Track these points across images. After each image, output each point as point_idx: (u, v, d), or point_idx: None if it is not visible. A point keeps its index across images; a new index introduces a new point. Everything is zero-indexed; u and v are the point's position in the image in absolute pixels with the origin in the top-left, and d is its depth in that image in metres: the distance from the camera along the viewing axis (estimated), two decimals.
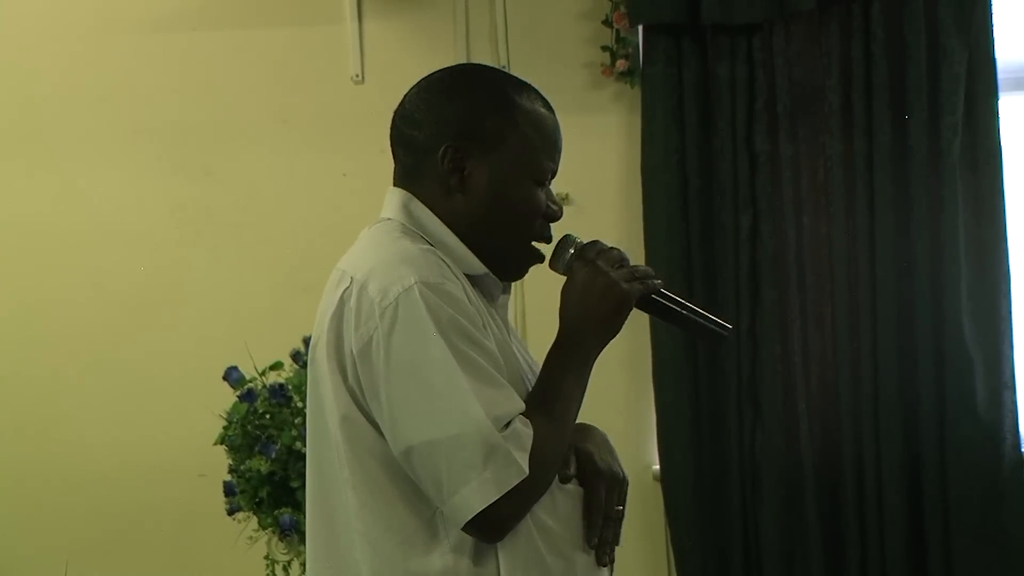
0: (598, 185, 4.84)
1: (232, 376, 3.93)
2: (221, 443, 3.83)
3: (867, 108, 4.68)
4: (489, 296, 2.49)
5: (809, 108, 4.72)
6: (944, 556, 4.66)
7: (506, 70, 4.68)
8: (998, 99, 4.64)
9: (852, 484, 4.71)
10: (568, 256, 2.44)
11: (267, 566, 3.90)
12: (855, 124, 4.69)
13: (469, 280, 2.43)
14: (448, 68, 2.58)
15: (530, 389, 2.43)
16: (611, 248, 2.46)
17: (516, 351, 2.50)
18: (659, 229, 4.73)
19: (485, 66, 2.96)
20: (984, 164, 4.66)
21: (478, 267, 2.43)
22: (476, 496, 2.25)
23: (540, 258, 2.52)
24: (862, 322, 4.71)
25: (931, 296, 4.69)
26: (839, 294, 4.73)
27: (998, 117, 4.66)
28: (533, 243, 2.49)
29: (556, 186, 4.78)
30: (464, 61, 4.77)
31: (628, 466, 4.69)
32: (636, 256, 4.69)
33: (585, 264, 2.44)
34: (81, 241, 4.76)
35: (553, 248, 2.50)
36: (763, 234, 4.71)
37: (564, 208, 4.72)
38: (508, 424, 2.27)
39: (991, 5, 4.68)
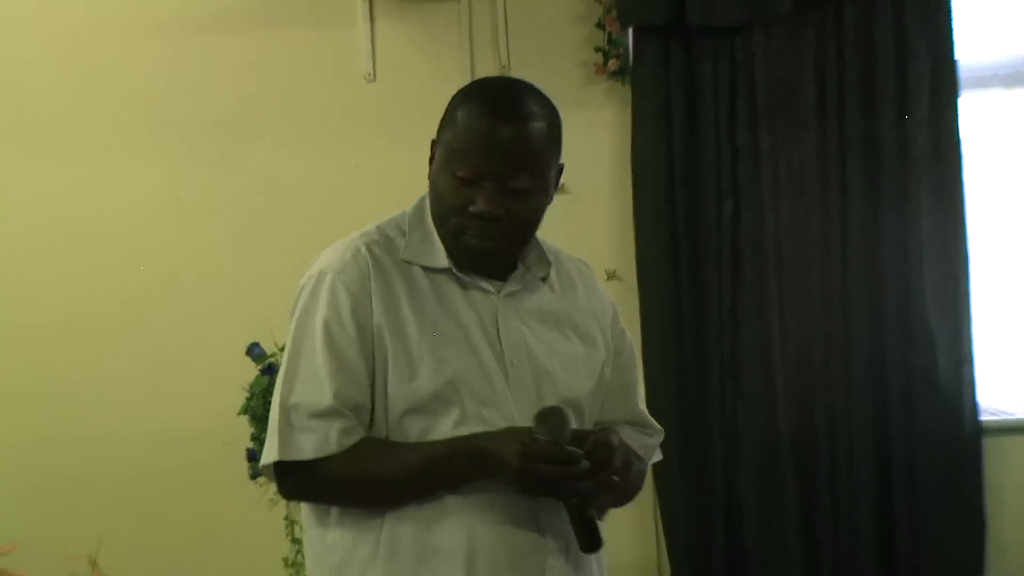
0: (592, 175, 4.84)
1: (254, 352, 3.99)
2: (244, 413, 3.89)
3: (840, 105, 4.74)
4: (449, 285, 2.52)
5: (786, 104, 4.76)
6: (909, 517, 4.71)
7: (506, 69, 4.86)
8: (959, 96, 4.70)
9: (825, 451, 4.76)
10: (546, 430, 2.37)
11: (286, 525, 3.94)
12: (828, 119, 4.75)
13: (427, 269, 2.51)
14: None
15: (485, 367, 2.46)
16: (566, 451, 2.35)
17: (479, 335, 2.49)
18: (648, 216, 4.78)
19: (480, 79, 2.95)
20: (946, 156, 4.72)
21: (438, 262, 2.50)
22: (265, 452, 2.45)
23: (478, 258, 2.53)
24: (834, 303, 4.77)
25: (898, 279, 4.75)
26: (813, 277, 4.77)
27: (959, 113, 4.71)
28: (464, 237, 2.49)
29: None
30: (468, 61, 4.93)
31: None
32: (625, 241, 4.90)
33: (537, 429, 2.38)
34: (117, 228, 4.79)
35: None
36: (744, 221, 4.76)
37: (561, 197, 4.81)
38: (318, 414, 2.40)
39: (952, 11, 4.72)
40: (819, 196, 4.77)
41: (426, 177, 2.64)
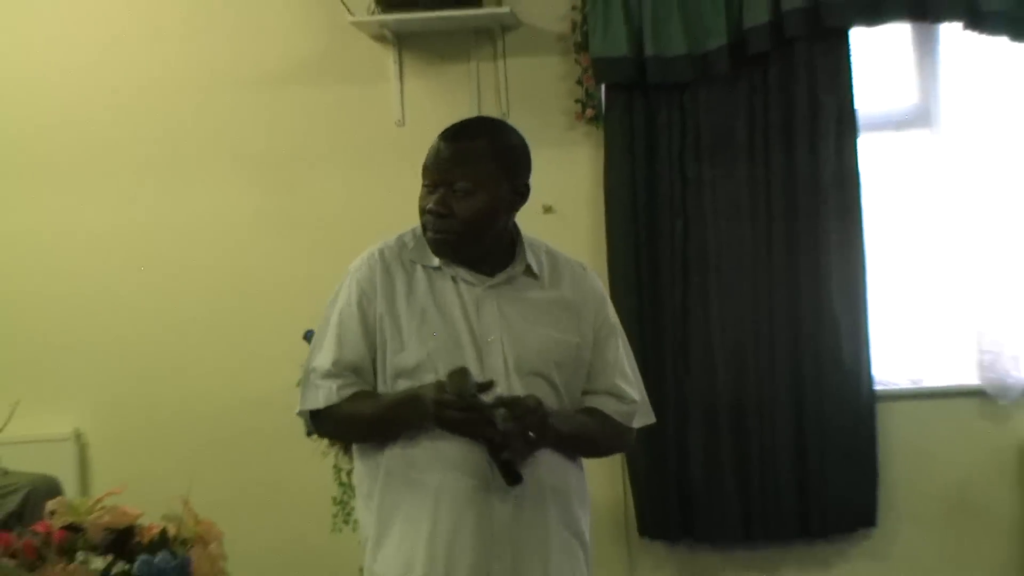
0: (573, 200, 5.01)
1: (308, 336, 3.98)
2: (299, 385, 4.11)
3: (765, 145, 4.84)
4: (443, 279, 2.57)
5: (723, 144, 4.85)
6: (820, 468, 4.84)
7: (506, 116, 4.82)
8: (858, 138, 4.82)
9: (753, 414, 4.87)
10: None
11: (334, 472, 4.15)
12: (756, 156, 4.85)
13: (426, 267, 2.59)
14: None
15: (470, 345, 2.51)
16: (529, 410, 2.40)
17: (464, 325, 2.53)
18: (616, 230, 4.89)
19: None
20: (848, 184, 4.82)
21: (433, 262, 2.57)
22: (299, 403, 2.62)
23: (437, 248, 2.56)
24: (761, 299, 4.88)
25: (810, 280, 4.83)
26: (745, 277, 4.88)
27: (857, 151, 4.83)
28: (428, 233, 2.56)
29: (545, 200, 4.88)
30: (476, 110, 4.96)
31: None
32: (599, 250, 4.91)
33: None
34: (205, 241, 4.96)
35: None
36: (691, 235, 4.87)
37: (550, 215, 4.86)
38: (326, 375, 2.56)
39: (852, 72, 4.82)
40: (749, 216, 4.87)
41: None
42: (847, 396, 4.85)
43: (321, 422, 2.66)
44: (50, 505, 2.98)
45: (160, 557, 2.83)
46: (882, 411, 4.93)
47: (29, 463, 4.27)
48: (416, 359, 2.51)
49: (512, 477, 2.38)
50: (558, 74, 5.03)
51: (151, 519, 2.95)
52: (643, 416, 2.70)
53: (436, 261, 2.56)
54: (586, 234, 5.01)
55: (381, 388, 2.58)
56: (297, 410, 2.65)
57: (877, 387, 4.93)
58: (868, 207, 4.88)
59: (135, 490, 3.02)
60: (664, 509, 4.95)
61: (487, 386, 2.40)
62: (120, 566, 2.81)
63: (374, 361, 2.58)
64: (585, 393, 2.62)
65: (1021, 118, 4.96)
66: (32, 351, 4.59)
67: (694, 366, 4.92)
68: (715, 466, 4.91)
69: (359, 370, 2.58)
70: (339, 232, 4.71)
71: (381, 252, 2.60)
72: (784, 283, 4.88)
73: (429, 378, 2.47)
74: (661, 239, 4.91)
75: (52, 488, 4.07)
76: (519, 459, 2.40)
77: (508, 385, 2.48)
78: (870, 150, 4.93)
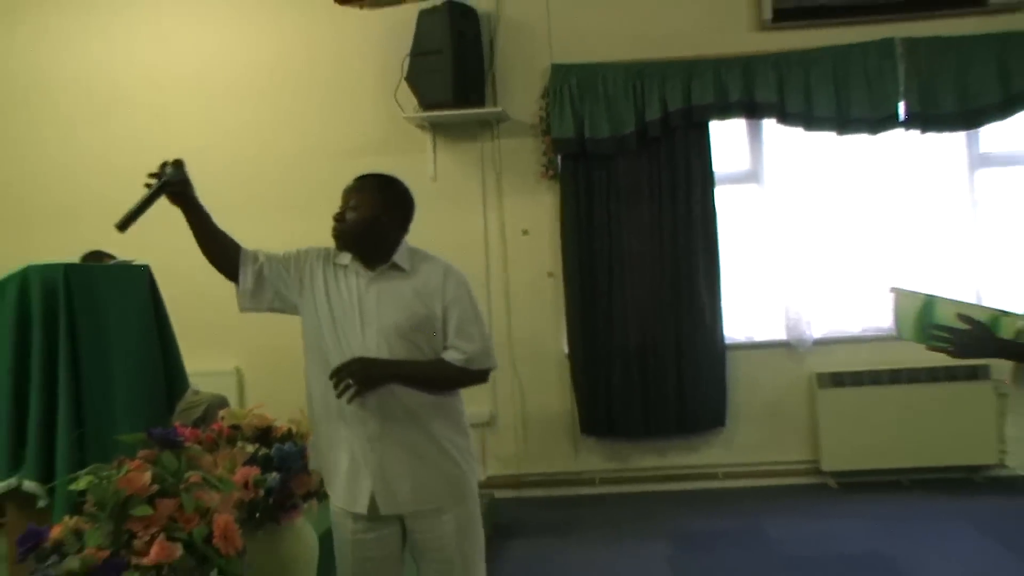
0: (541, 226, 5.14)
1: None
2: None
3: (659, 192, 5.06)
4: (348, 272, 2.42)
5: (633, 192, 5.06)
6: (692, 390, 5.04)
7: (500, 175, 5.03)
8: (714, 188, 5.04)
9: (652, 355, 5.06)
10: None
11: None
12: (654, 200, 5.06)
13: (341, 265, 2.42)
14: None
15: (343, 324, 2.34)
16: None
17: (356, 304, 2.37)
18: (569, 245, 5.04)
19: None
20: (709, 216, 5.04)
21: (345, 261, 2.43)
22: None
23: (335, 240, 2.42)
24: (656, 286, 5.05)
25: (686, 277, 5.04)
26: (647, 273, 5.05)
27: (714, 196, 5.03)
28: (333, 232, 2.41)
29: (524, 226, 5.12)
30: (481, 173, 5.09)
31: (550, 353, 4.93)
32: (557, 257, 5.00)
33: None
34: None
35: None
36: (613, 247, 5.05)
37: (528, 236, 4.82)
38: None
39: (711, 146, 5.00)
40: (648, 236, 5.05)
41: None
42: (709, 345, 5.07)
43: None
44: (221, 413, 2.95)
45: (287, 445, 2.78)
46: (729, 355, 5.13)
47: (209, 387, 4.25)
48: (316, 323, 2.41)
49: (345, 397, 2.27)
50: (531, 148, 5.17)
51: (281, 422, 2.87)
52: (481, 362, 2.43)
53: (346, 260, 2.44)
54: (549, 247, 5.16)
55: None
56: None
57: (727, 341, 5.11)
58: (721, 230, 5.07)
59: (272, 404, 2.93)
60: (596, 416, 5.11)
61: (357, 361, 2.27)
62: (263, 451, 2.78)
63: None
64: (444, 349, 2.42)
65: (811, 176, 5.12)
66: (210, 315, 4.20)
67: (615, 325, 5.07)
68: (628, 388, 5.07)
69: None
70: None
71: (328, 252, 2.49)
72: (670, 277, 5.06)
73: (326, 335, 2.36)
74: (595, 250, 5.07)
75: (223, 402, 4.09)
76: (347, 391, 2.26)
77: (382, 341, 2.34)
78: (721, 196, 5.11)
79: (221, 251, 2.43)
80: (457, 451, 2.43)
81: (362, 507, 2.39)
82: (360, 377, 2.25)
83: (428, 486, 2.39)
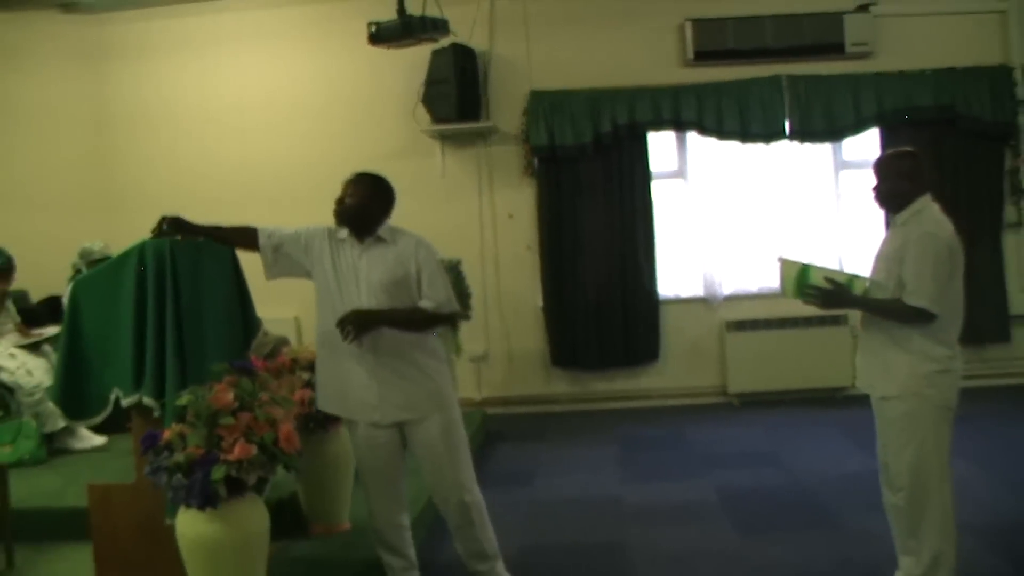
0: (523, 212, 5.09)
1: None
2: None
3: (614, 189, 5.01)
4: (345, 245, 2.38)
5: (592, 187, 5.03)
6: (634, 333, 5.00)
7: (491, 173, 4.97)
8: (651, 183, 5.04)
9: (605, 307, 5.04)
10: None
11: None
12: (607, 193, 5.02)
13: (341, 240, 2.38)
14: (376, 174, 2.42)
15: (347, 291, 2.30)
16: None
17: (353, 268, 2.33)
18: (544, 226, 5.01)
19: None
20: (647, 206, 5.03)
21: (344, 236, 2.39)
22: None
23: (337, 220, 2.38)
24: (610, 255, 5.02)
25: (630, 246, 5.02)
26: (602, 246, 5.01)
27: (651, 190, 5.03)
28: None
29: (510, 211, 4.87)
30: (478, 173, 5.02)
31: (529, 306, 5.19)
32: (535, 235, 4.92)
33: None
34: None
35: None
36: (578, 228, 5.01)
37: (511, 220, 4.70)
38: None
39: (648, 151, 4.98)
40: (604, 219, 5.02)
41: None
42: (646, 300, 5.07)
43: None
44: (284, 349, 3.00)
45: None
46: (662, 308, 5.13)
47: (275, 330, 4.06)
48: (325, 284, 2.40)
49: (347, 340, 2.25)
50: (515, 153, 5.14)
51: None
52: (446, 307, 2.39)
53: (343, 235, 2.40)
54: (529, 227, 5.11)
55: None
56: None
57: (660, 297, 5.10)
58: (656, 215, 5.08)
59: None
60: (562, 351, 5.09)
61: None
62: (314, 377, 2.64)
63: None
64: (419, 299, 2.39)
65: (723, 174, 5.10)
66: None
67: (577, 286, 5.07)
68: (586, 331, 5.06)
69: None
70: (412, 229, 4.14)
71: (330, 230, 2.45)
72: (619, 248, 5.04)
73: (331, 294, 2.35)
74: (563, 230, 5.06)
75: (285, 342, 4.00)
76: (349, 335, 2.25)
77: (372, 295, 2.33)
78: (656, 190, 5.10)
79: (242, 243, 2.47)
80: (434, 371, 2.41)
81: (369, 418, 2.40)
82: (357, 324, 2.25)
83: (414, 399, 2.38)
